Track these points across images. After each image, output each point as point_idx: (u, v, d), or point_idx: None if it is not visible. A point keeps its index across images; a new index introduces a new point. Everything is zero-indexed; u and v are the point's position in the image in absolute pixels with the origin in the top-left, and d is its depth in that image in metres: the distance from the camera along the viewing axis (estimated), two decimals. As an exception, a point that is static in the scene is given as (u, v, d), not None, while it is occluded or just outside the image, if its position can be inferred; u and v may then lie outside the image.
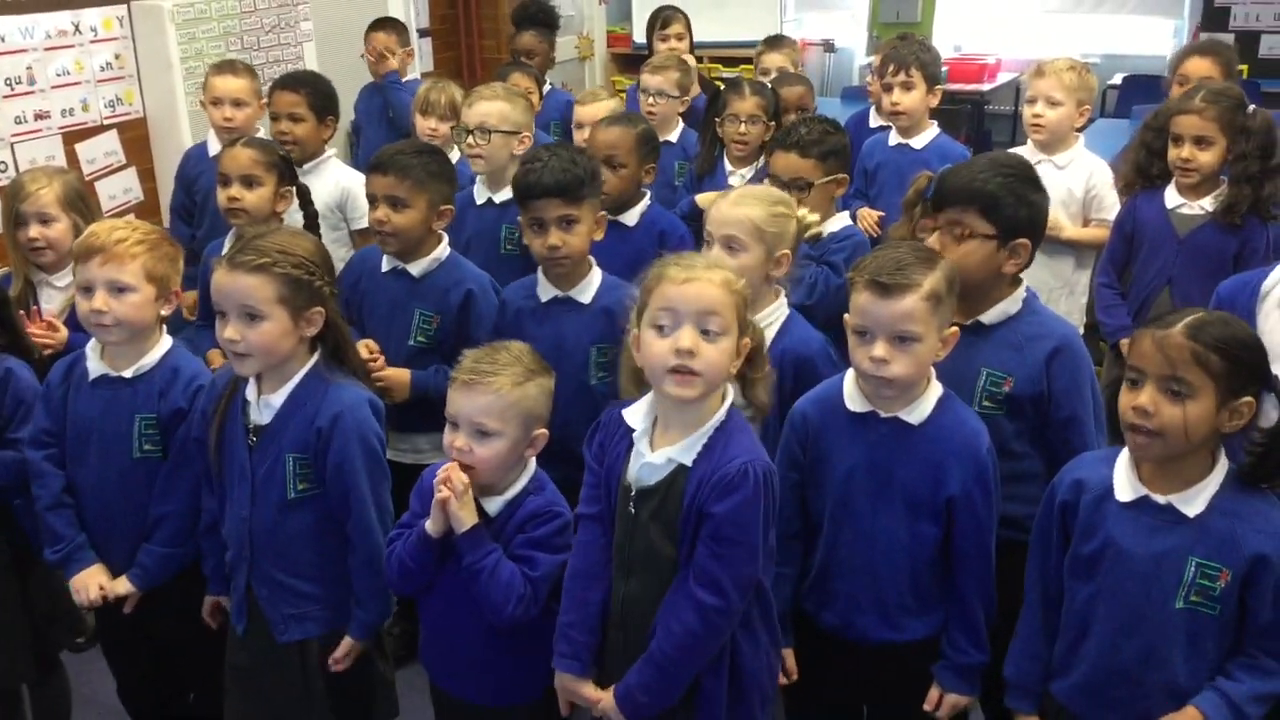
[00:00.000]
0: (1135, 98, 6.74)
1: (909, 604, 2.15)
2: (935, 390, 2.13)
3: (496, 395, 2.03)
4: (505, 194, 3.42)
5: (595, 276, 2.78)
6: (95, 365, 2.43)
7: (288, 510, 2.25)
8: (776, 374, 2.16)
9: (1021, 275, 2.35)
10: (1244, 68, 5.78)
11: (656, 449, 1.96)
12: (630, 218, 3.27)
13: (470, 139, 3.39)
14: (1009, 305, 2.32)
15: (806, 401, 2.23)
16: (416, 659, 2.35)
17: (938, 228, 2.32)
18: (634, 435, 1.99)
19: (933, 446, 2.09)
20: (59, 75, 4.69)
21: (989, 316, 2.31)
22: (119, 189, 4.99)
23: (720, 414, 1.95)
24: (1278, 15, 7.46)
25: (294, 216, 3.22)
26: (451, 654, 2.21)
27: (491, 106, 3.42)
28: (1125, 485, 1.95)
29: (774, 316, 2.48)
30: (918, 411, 2.11)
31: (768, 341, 2.22)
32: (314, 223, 3.21)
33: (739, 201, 2.49)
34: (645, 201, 3.33)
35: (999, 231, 2.27)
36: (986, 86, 7.76)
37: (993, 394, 2.29)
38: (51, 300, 2.98)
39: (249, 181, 3.10)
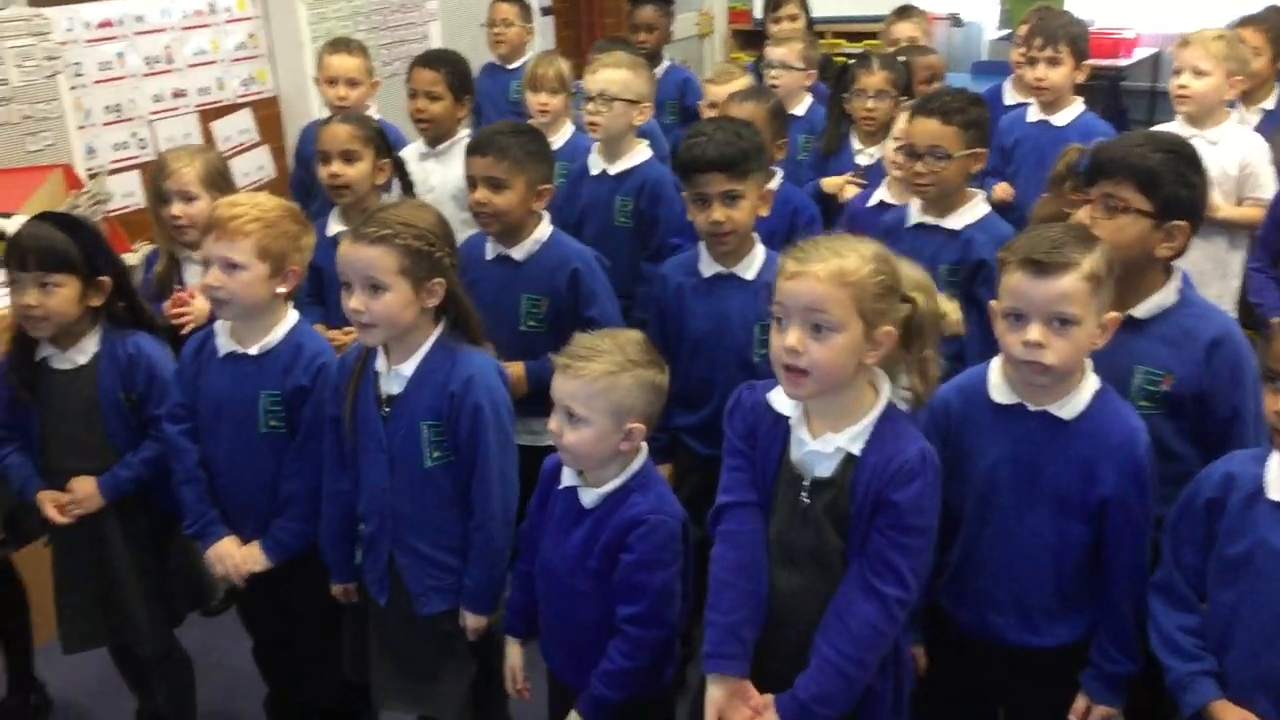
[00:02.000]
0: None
1: (1051, 607, 2.05)
2: (1091, 383, 2.00)
3: (584, 382, 2.00)
4: (620, 165, 3.44)
5: (759, 253, 2.72)
6: (224, 342, 2.47)
7: (425, 480, 2.27)
8: None
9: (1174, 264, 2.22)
10: None
11: (815, 435, 1.89)
12: None
13: (591, 105, 3.37)
14: (1163, 297, 2.19)
15: (949, 389, 2.10)
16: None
17: (1089, 201, 2.19)
18: (790, 422, 1.93)
19: (1086, 444, 1.97)
20: (195, 54, 4.81)
21: (1142, 310, 2.18)
22: (252, 166, 5.10)
23: (880, 403, 1.88)
24: None
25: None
26: (563, 641, 2.20)
27: (615, 74, 3.41)
28: (1277, 484, 1.83)
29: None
30: (1071, 405, 1.98)
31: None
32: (410, 191, 3.28)
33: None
34: (777, 178, 3.25)
35: (1156, 209, 2.14)
36: (1124, 62, 7.44)
37: (1150, 393, 2.16)
38: (195, 277, 3.03)
39: (348, 156, 3.13)
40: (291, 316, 2.49)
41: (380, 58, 5.70)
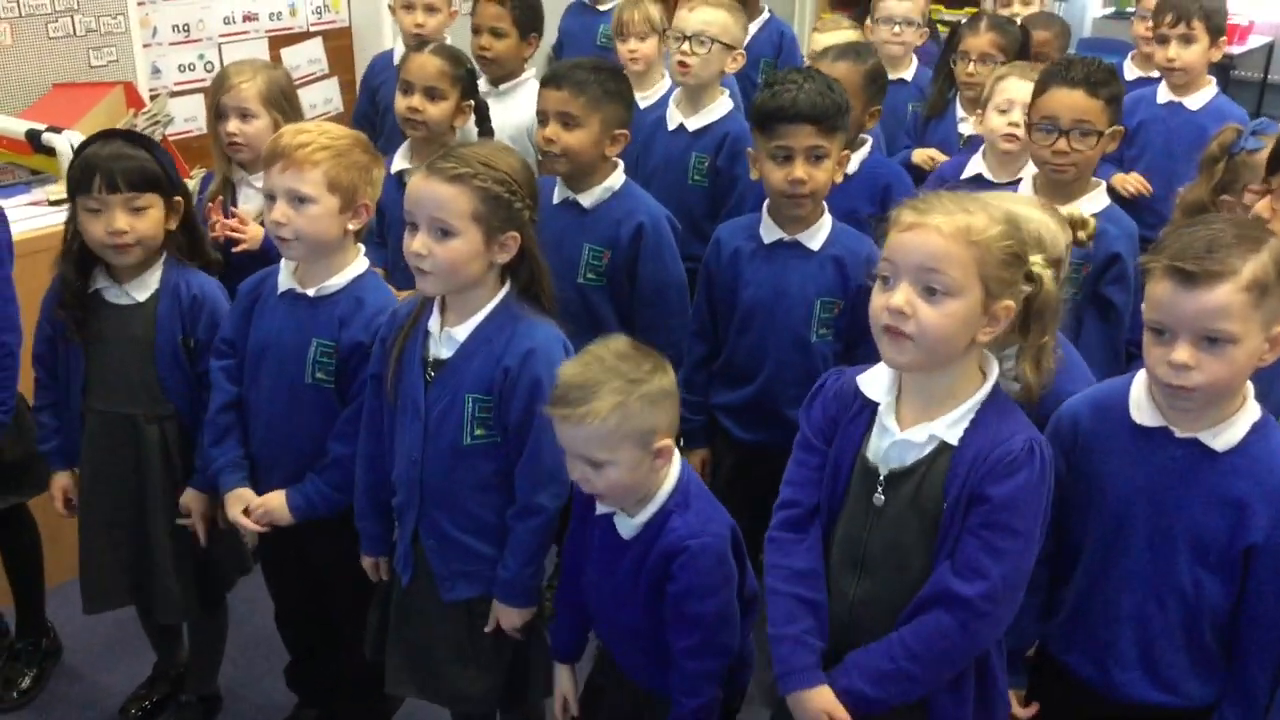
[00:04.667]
0: None
1: (1183, 663, 1.79)
2: (1251, 411, 1.73)
3: (594, 427, 1.77)
4: (700, 119, 3.20)
5: (827, 221, 2.49)
6: (285, 279, 2.29)
7: (462, 457, 2.06)
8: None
9: None
10: None
11: (905, 425, 1.70)
12: (849, 166, 2.89)
13: (686, 45, 3.13)
14: None
15: (1080, 402, 1.86)
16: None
17: (1270, 191, 1.94)
18: (878, 409, 1.72)
19: (1238, 481, 1.71)
20: (269, -23, 4.63)
21: None
22: (320, 98, 4.96)
23: (986, 388, 1.68)
24: None
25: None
26: (615, 628, 2.02)
27: (715, 15, 3.19)
28: None
29: None
30: (1226, 435, 1.71)
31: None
32: (489, 135, 3.07)
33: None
34: (867, 148, 3.02)
35: None
36: (1236, 50, 7.09)
37: None
38: (250, 200, 2.86)
39: (432, 93, 2.92)
40: (361, 262, 2.29)
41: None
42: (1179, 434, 1.73)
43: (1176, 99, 3.47)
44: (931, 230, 1.60)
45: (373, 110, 3.80)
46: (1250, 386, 1.73)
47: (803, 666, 1.72)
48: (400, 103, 2.95)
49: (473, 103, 3.02)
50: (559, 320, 2.11)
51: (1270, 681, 1.76)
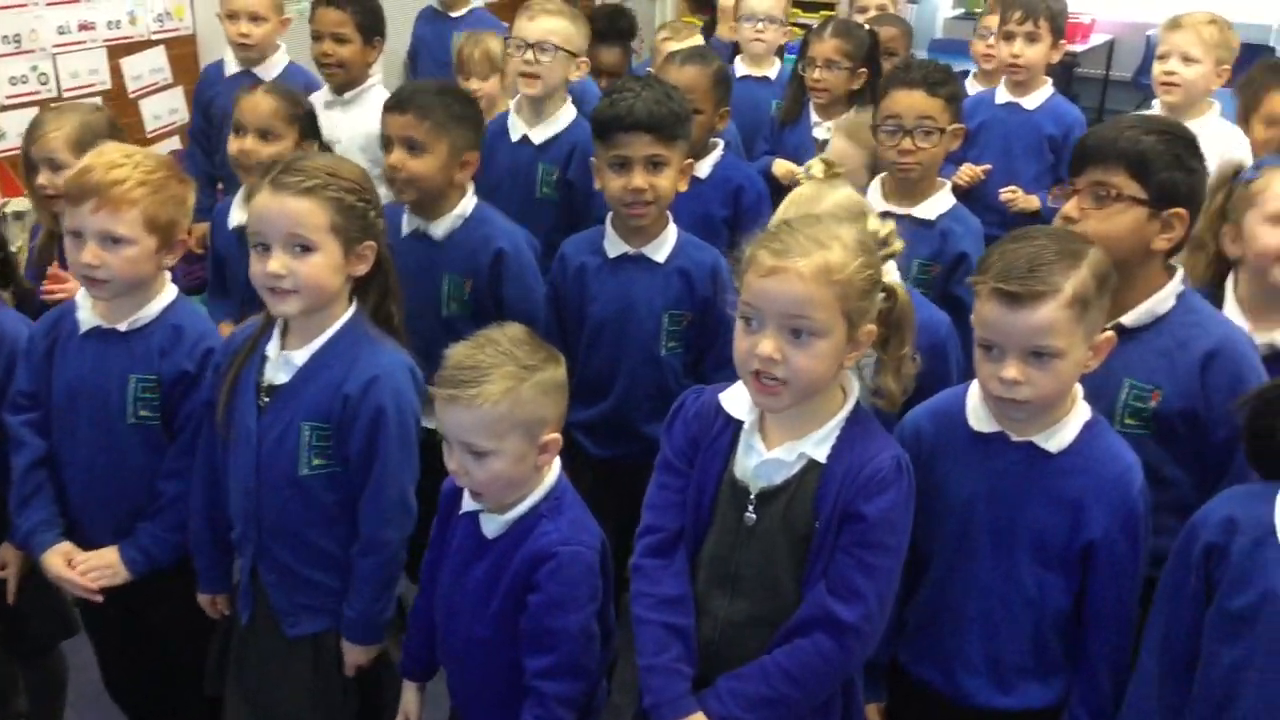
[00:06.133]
0: (1241, 70, 6.29)
1: (1028, 665, 1.82)
2: (1081, 412, 1.79)
3: (483, 410, 1.69)
4: (545, 131, 3.11)
5: (671, 233, 2.46)
6: (86, 316, 2.12)
7: (299, 488, 1.96)
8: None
9: (1176, 264, 2.03)
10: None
11: (771, 444, 1.69)
12: (701, 169, 2.92)
13: (529, 54, 3.06)
14: (1158, 303, 1.98)
15: (921, 414, 1.90)
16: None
17: (1076, 191, 1.99)
18: (743, 427, 1.71)
19: (1073, 481, 1.76)
20: (106, -16, 4.43)
21: (1132, 318, 1.97)
22: (164, 109, 4.77)
23: (849, 404, 1.69)
24: None
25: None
26: (469, 691, 1.92)
27: (557, 23, 3.12)
28: None
29: None
30: (1059, 437, 1.77)
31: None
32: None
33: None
34: (719, 151, 3.02)
35: (1151, 196, 1.94)
36: (1079, 48, 7.38)
37: (1137, 410, 1.95)
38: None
39: (266, 135, 2.73)
40: (170, 290, 2.15)
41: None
42: (1015, 438, 1.78)
43: (1014, 99, 3.55)
44: (793, 275, 1.59)
45: (208, 126, 3.63)
46: (1079, 388, 1.79)
47: (676, 696, 1.70)
48: (233, 144, 2.78)
49: (314, 144, 2.82)
50: (422, 358, 2.02)
51: (1115, 677, 1.80)
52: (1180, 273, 2.03)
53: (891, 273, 1.82)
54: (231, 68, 3.52)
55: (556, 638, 1.76)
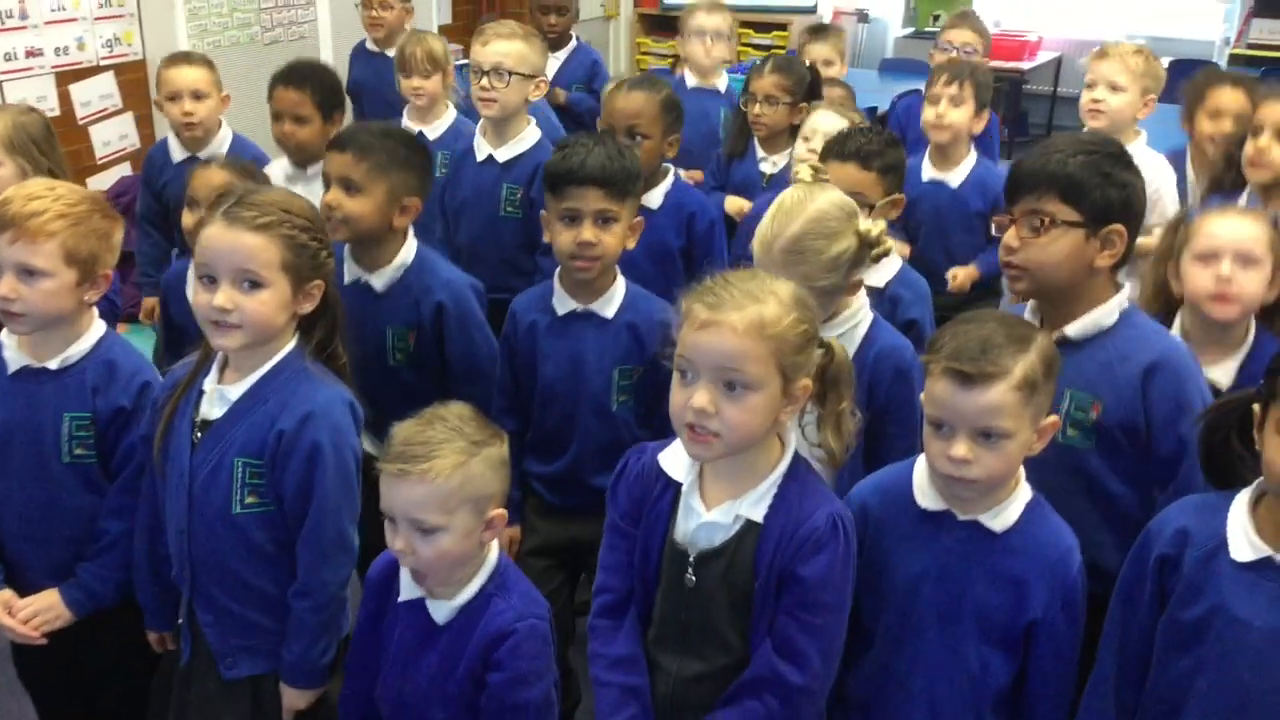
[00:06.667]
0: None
1: None
2: (1024, 493, 1.79)
3: (434, 485, 1.68)
4: (509, 150, 3.15)
5: (619, 288, 2.42)
6: (14, 355, 2.09)
7: (233, 526, 1.93)
8: (868, 384, 1.90)
9: (1123, 280, 2.06)
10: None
11: (710, 504, 1.71)
12: (653, 199, 2.92)
13: (485, 80, 3.08)
14: (1103, 316, 1.99)
15: (867, 488, 1.89)
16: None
17: (1013, 221, 2.01)
18: (682, 488, 1.74)
19: (1016, 559, 1.76)
20: (54, 10, 4.47)
21: (1076, 329, 1.98)
22: (114, 135, 4.77)
23: (786, 459, 1.71)
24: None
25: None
26: None
27: (510, 46, 3.13)
28: (1243, 542, 1.64)
29: (856, 320, 2.14)
30: (1003, 516, 1.77)
31: (852, 350, 1.92)
32: None
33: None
34: (669, 179, 3.02)
35: (1086, 217, 1.95)
36: (1026, 65, 7.50)
37: (1078, 421, 1.96)
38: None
39: None
40: (98, 325, 2.12)
41: (263, 23, 5.38)
42: (960, 516, 1.78)
43: (939, 175, 3.49)
44: (726, 329, 1.60)
45: (160, 208, 3.46)
46: (1022, 470, 1.81)
47: None
48: (187, 217, 2.70)
49: None
50: (369, 403, 2.02)
51: None
52: (1127, 288, 2.06)
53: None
54: (178, 154, 3.39)
55: (522, 712, 1.76)
